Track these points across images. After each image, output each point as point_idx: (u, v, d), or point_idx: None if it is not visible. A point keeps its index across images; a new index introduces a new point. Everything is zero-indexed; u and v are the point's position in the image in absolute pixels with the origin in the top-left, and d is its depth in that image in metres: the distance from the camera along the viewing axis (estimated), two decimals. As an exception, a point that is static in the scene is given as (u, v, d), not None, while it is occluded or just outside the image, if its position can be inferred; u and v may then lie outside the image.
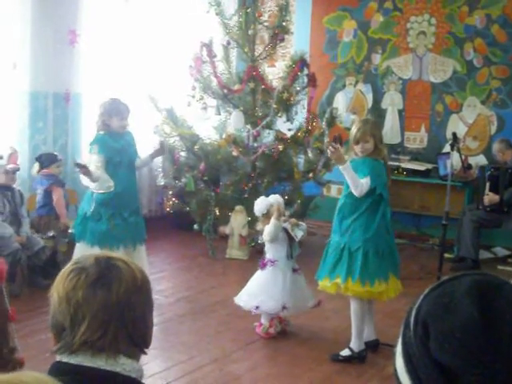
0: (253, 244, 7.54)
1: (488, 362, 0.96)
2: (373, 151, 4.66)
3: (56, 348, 1.58)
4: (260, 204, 5.29)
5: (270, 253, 5.19)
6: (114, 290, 1.56)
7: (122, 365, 1.55)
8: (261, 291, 5.09)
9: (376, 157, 4.68)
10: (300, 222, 5.28)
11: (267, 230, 5.09)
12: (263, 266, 5.18)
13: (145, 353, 1.67)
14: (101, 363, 1.54)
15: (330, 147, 4.60)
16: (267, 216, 5.20)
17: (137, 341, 1.61)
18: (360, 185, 4.56)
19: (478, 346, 0.96)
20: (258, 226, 5.41)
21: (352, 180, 4.58)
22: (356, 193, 4.59)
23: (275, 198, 5.27)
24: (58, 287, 1.59)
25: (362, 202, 4.63)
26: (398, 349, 1.07)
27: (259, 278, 5.20)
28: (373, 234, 4.62)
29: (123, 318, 1.56)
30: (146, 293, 1.65)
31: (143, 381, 1.65)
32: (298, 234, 5.12)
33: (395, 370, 1.07)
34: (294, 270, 5.19)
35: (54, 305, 1.59)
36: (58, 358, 1.60)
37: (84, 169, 5.31)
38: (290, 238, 5.15)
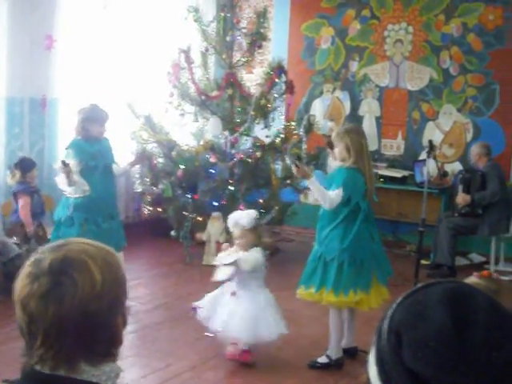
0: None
1: (461, 371, 0.96)
2: (349, 159, 4.67)
3: (22, 355, 1.50)
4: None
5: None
6: (67, 302, 1.41)
7: (87, 372, 1.46)
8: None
9: (353, 165, 4.65)
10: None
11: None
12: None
13: (115, 354, 1.55)
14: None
15: (294, 166, 4.73)
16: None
17: (100, 349, 1.49)
18: (328, 198, 4.57)
19: (451, 354, 0.97)
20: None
21: (319, 193, 4.62)
22: (326, 206, 4.62)
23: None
24: (16, 288, 1.48)
25: (339, 212, 4.64)
26: (372, 357, 1.08)
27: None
28: (349, 243, 4.60)
29: (81, 329, 1.43)
30: (109, 294, 1.48)
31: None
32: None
33: (368, 379, 1.07)
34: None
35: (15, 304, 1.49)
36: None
37: (67, 168, 5.31)
38: None
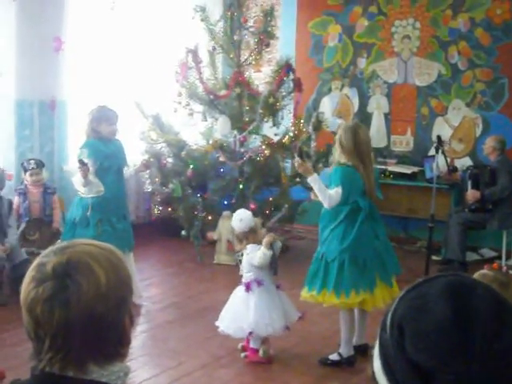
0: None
1: (462, 362, 0.97)
2: (341, 157, 4.62)
3: (30, 359, 1.48)
4: (247, 219, 4.82)
5: (253, 272, 4.77)
6: (73, 306, 1.40)
7: (96, 372, 1.45)
8: (254, 315, 4.69)
9: (348, 162, 4.60)
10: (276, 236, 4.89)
11: (259, 259, 4.65)
12: (248, 289, 4.77)
13: (124, 354, 1.53)
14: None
15: (296, 161, 4.67)
16: (250, 233, 4.80)
17: (108, 350, 1.48)
18: (328, 196, 4.54)
19: (452, 345, 0.98)
20: (237, 247, 4.90)
21: (320, 192, 4.58)
22: (325, 204, 4.58)
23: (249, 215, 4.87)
24: (22, 294, 1.46)
25: (340, 211, 4.60)
26: (376, 351, 1.09)
27: (246, 301, 4.77)
28: (350, 243, 4.56)
29: (88, 332, 1.42)
30: (115, 295, 1.46)
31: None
32: (276, 250, 4.77)
33: (373, 372, 1.09)
34: (277, 287, 4.88)
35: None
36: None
37: (85, 167, 5.32)
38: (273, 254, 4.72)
